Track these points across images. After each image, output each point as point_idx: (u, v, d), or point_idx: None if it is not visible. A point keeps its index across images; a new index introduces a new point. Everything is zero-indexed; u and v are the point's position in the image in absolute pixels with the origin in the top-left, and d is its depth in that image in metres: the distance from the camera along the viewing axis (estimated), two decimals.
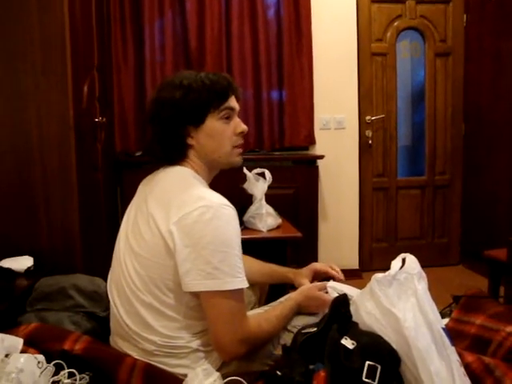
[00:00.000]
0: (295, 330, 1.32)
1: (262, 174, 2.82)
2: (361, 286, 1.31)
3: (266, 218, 2.77)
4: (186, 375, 1.16)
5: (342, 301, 1.24)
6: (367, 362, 1.06)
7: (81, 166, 2.19)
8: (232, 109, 1.37)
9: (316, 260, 3.52)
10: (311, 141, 3.61)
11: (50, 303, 1.73)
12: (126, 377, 1.21)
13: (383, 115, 3.83)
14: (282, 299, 1.51)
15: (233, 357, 1.28)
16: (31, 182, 2.12)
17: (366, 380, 1.04)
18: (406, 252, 1.27)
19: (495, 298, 2.49)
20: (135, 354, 1.29)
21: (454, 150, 3.99)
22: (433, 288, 1.23)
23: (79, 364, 1.19)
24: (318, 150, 3.65)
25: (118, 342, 1.36)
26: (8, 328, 1.34)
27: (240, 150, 1.42)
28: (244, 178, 2.78)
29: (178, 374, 1.26)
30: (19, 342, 1.22)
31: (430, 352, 1.10)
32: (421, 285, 1.19)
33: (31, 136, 2.10)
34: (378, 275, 1.18)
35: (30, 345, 1.25)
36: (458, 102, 3.94)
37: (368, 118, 3.79)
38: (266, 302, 1.70)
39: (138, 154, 3.45)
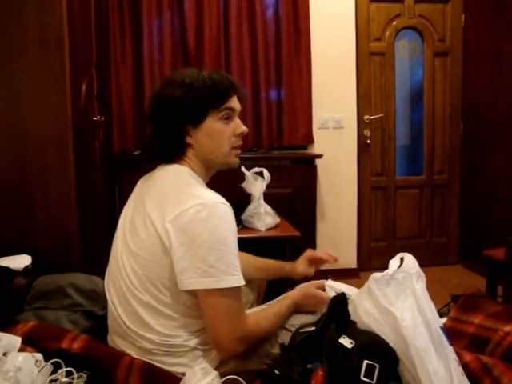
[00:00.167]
0: (293, 329, 1.32)
1: (261, 173, 2.82)
2: (359, 286, 1.31)
3: (265, 217, 2.77)
4: (184, 374, 1.15)
5: (340, 300, 1.25)
6: (365, 361, 1.06)
7: (79, 165, 2.19)
8: (232, 109, 1.36)
9: None
10: (309, 140, 3.61)
11: (47, 302, 1.72)
12: (124, 376, 1.20)
13: (382, 115, 3.83)
14: (279, 298, 1.51)
15: (231, 355, 1.28)
16: (29, 181, 2.11)
17: (364, 379, 1.05)
18: (404, 251, 1.27)
19: (493, 297, 2.49)
20: (133, 353, 1.29)
21: (453, 150, 3.99)
22: (431, 287, 1.23)
23: (77, 363, 1.19)
24: (316, 149, 3.65)
25: (115, 341, 1.36)
26: (6, 326, 1.34)
27: (238, 152, 1.41)
28: (242, 177, 2.78)
29: (176, 372, 1.26)
30: (17, 340, 1.21)
31: (428, 351, 1.10)
32: (419, 284, 1.19)
33: (29, 134, 2.09)
34: (377, 274, 1.18)
35: (28, 343, 1.25)
36: (456, 102, 3.94)
37: (366, 117, 3.79)
38: (264, 301, 1.69)
39: (136, 152, 3.45)
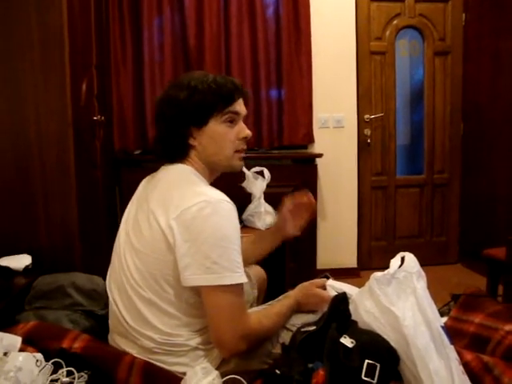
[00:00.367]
0: (294, 329, 1.32)
1: (261, 173, 2.82)
2: (359, 285, 1.31)
3: (265, 217, 2.77)
4: (184, 373, 1.16)
5: (342, 299, 1.25)
6: (366, 361, 1.06)
7: (79, 164, 2.19)
8: (236, 113, 1.37)
9: (315, 260, 3.53)
10: (310, 139, 3.61)
11: (48, 301, 1.72)
12: (125, 375, 1.21)
13: (382, 114, 3.83)
14: (280, 297, 1.52)
15: (233, 353, 1.28)
16: (30, 180, 2.11)
17: (366, 379, 1.05)
18: (404, 251, 1.27)
19: (494, 296, 2.49)
20: (134, 352, 1.29)
21: (453, 149, 3.99)
22: (431, 287, 1.23)
23: (78, 362, 1.19)
24: (316, 148, 3.65)
25: (116, 340, 1.36)
26: (6, 326, 1.34)
27: (241, 155, 1.42)
28: (243, 177, 2.78)
29: (176, 372, 1.26)
30: (18, 340, 1.21)
31: (429, 350, 1.10)
32: (420, 283, 1.19)
33: (30, 134, 2.09)
34: (378, 274, 1.18)
35: (29, 343, 1.25)
36: (456, 101, 3.94)
37: (367, 116, 3.79)
38: (265, 301, 1.69)
39: (137, 152, 3.45)
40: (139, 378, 1.20)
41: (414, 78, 3.98)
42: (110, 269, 1.43)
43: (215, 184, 1.40)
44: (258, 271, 1.84)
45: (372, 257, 3.94)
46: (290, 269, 2.78)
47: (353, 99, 3.70)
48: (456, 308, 1.62)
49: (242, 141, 1.40)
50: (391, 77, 3.84)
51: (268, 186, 2.79)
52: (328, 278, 1.53)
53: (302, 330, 1.23)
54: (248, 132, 1.40)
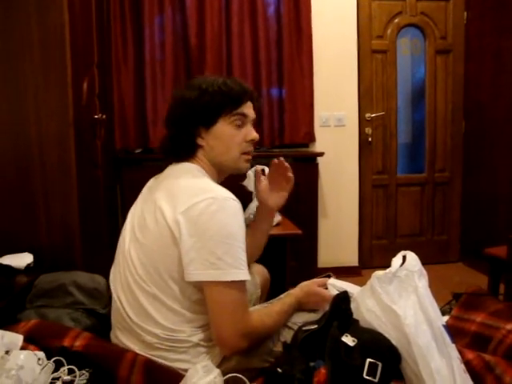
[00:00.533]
0: (296, 327, 1.32)
1: (262, 171, 2.81)
2: (360, 283, 1.31)
3: None
4: (186, 370, 1.16)
5: (343, 298, 1.24)
6: (368, 360, 1.06)
7: (80, 163, 2.19)
8: (244, 115, 1.42)
9: (316, 259, 3.53)
10: (311, 138, 3.61)
11: (49, 300, 1.73)
12: (127, 373, 1.21)
13: (383, 112, 3.82)
14: (281, 296, 1.52)
15: (234, 351, 1.28)
16: (31, 179, 2.12)
17: (367, 377, 1.05)
18: (405, 249, 1.27)
19: (495, 295, 2.49)
20: (136, 348, 1.30)
21: (454, 148, 3.99)
22: (432, 285, 1.23)
23: (79, 360, 1.19)
24: (317, 147, 3.65)
25: (118, 335, 1.36)
26: (8, 325, 1.34)
27: (248, 157, 1.46)
28: (244, 175, 2.77)
29: (178, 368, 1.26)
30: (19, 338, 1.22)
31: (431, 349, 1.10)
32: (421, 282, 1.19)
33: (31, 133, 2.09)
34: (379, 272, 1.18)
35: (30, 342, 1.25)
36: (458, 100, 3.94)
37: (368, 115, 3.78)
38: (266, 300, 1.69)
39: (138, 151, 3.45)
40: (141, 376, 1.20)
41: (416, 76, 3.97)
42: (113, 267, 1.44)
43: None
44: (261, 271, 1.85)
45: (373, 255, 3.94)
46: (291, 267, 2.77)
47: (354, 98, 3.70)
48: (457, 307, 1.62)
49: (249, 143, 1.44)
50: (392, 75, 3.84)
51: None
52: (330, 277, 1.53)
53: (304, 328, 1.23)
54: (255, 135, 1.45)
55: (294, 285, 1.57)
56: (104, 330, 1.49)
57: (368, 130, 3.80)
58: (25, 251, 2.07)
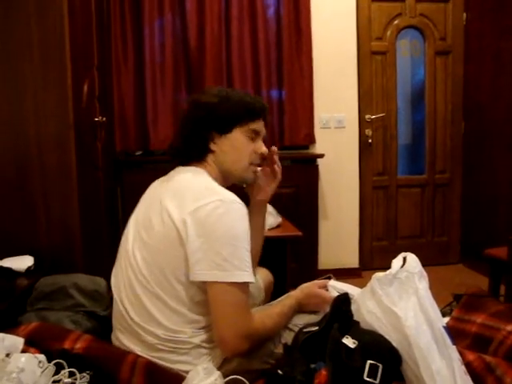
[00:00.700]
0: (296, 329, 1.33)
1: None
2: (361, 285, 1.31)
3: (266, 217, 2.76)
4: (187, 372, 1.16)
5: (343, 300, 1.24)
6: (368, 361, 1.06)
7: (81, 165, 2.19)
8: (257, 132, 1.45)
9: (316, 260, 3.53)
10: (311, 140, 3.61)
11: (50, 303, 1.72)
12: (128, 375, 1.21)
13: (383, 114, 3.82)
14: (282, 297, 1.52)
15: (235, 352, 1.29)
16: (31, 181, 2.12)
17: (368, 379, 1.05)
18: (405, 251, 1.27)
19: (496, 296, 2.49)
20: (137, 349, 1.30)
21: (454, 149, 3.99)
22: (433, 287, 1.23)
23: (80, 363, 1.19)
24: (318, 148, 3.65)
25: (119, 337, 1.37)
26: (8, 328, 1.34)
27: (256, 169, 1.50)
28: None
29: (179, 370, 1.26)
30: (20, 341, 1.22)
31: (431, 351, 1.10)
32: (422, 284, 1.19)
33: (31, 135, 2.09)
34: (379, 274, 1.18)
35: (31, 344, 1.25)
36: (457, 101, 3.94)
37: (368, 116, 3.78)
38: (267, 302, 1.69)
39: (138, 153, 3.45)
40: (142, 378, 1.21)
41: (415, 77, 3.98)
42: (114, 269, 1.45)
43: None
44: (265, 274, 1.86)
45: (374, 257, 3.94)
46: (291, 269, 2.77)
47: (354, 99, 3.70)
48: (458, 308, 1.62)
49: (258, 155, 1.46)
50: (392, 77, 3.84)
51: None
52: (330, 278, 1.53)
53: (305, 330, 1.23)
54: (265, 149, 1.48)
55: (295, 286, 1.57)
56: (104, 333, 1.49)
57: (368, 132, 3.80)
58: (25, 253, 2.07)
